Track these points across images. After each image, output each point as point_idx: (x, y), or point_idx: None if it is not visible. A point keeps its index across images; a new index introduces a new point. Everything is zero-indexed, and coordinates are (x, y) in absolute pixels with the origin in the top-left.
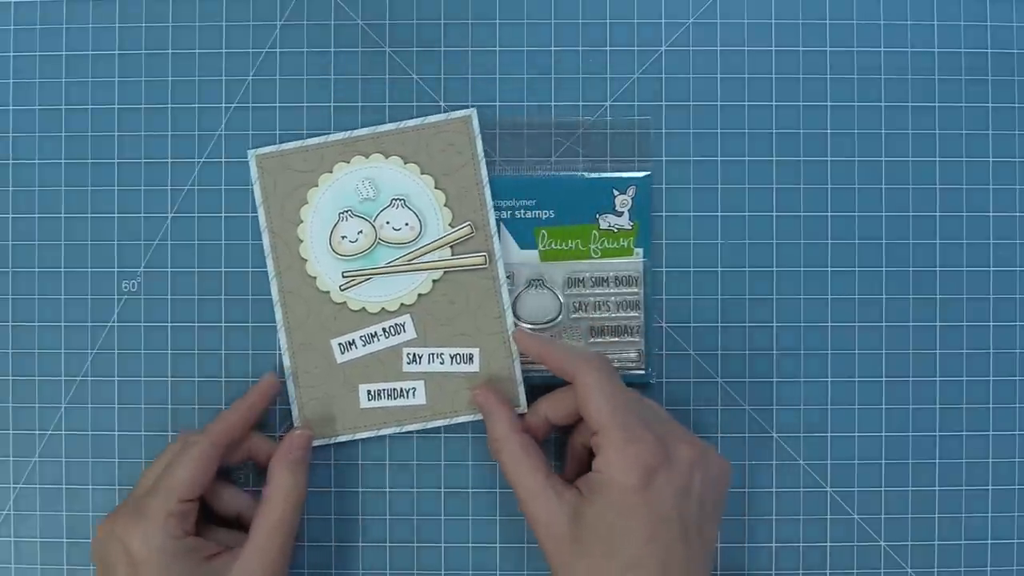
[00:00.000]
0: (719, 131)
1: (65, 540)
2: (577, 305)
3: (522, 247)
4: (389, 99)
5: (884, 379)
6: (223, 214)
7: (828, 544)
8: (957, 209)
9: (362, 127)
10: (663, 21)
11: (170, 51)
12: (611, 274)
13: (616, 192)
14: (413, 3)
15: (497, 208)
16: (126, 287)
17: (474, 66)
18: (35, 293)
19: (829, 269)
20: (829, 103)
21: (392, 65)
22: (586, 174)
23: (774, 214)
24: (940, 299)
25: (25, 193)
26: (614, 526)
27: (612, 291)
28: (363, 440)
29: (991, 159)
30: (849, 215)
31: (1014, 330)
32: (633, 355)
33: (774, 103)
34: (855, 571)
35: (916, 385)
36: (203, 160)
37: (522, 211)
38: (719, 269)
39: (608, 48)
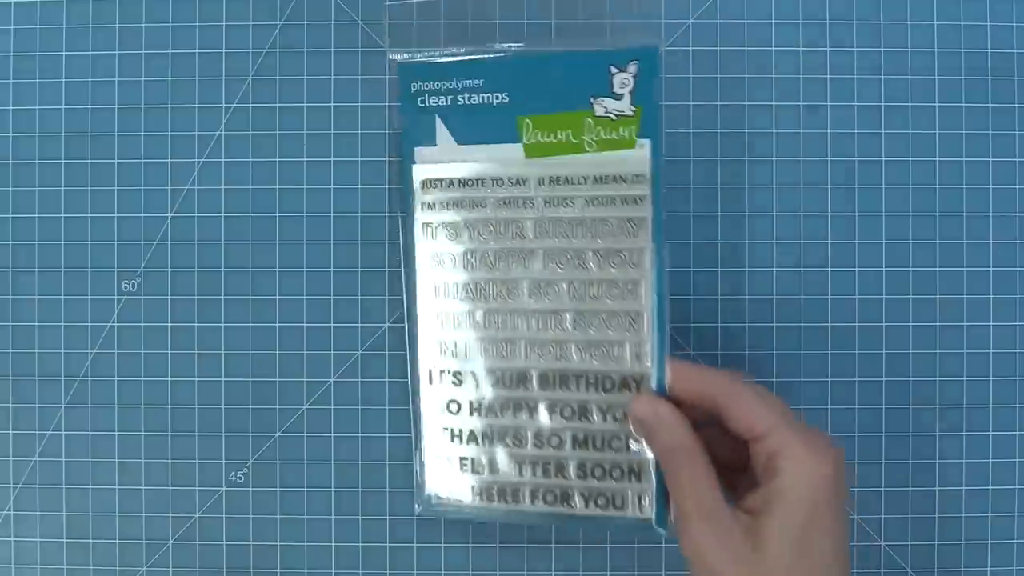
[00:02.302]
0: (719, 131)
1: (65, 540)
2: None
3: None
4: (388, 99)
5: (884, 379)
6: (223, 214)
7: None
8: (957, 209)
9: (362, 127)
10: (663, 21)
11: (170, 51)
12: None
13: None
14: (413, 3)
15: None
16: (126, 287)
17: None
18: (35, 293)
19: (829, 269)
20: (829, 103)
21: (393, 66)
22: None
23: (774, 214)
24: (940, 299)
25: (25, 193)
26: (806, 526)
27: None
28: (362, 439)
29: (991, 159)
30: (849, 215)
31: (1014, 330)
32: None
33: (774, 103)
34: (855, 571)
35: (916, 385)
36: (203, 160)
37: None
38: (719, 269)
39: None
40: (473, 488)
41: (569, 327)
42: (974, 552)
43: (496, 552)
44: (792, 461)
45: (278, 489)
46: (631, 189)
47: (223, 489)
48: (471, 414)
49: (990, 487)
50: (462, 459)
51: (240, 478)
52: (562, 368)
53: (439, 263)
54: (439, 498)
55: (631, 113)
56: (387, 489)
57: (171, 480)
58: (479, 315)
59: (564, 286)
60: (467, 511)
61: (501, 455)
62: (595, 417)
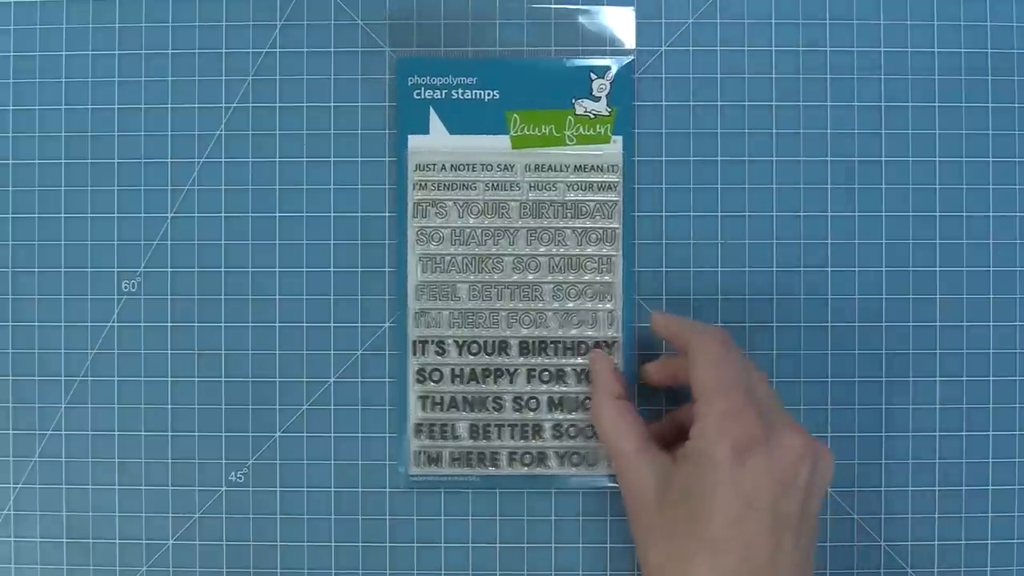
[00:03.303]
0: (719, 131)
1: (65, 540)
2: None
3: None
4: (388, 99)
5: (884, 379)
6: (223, 214)
7: (828, 544)
8: (957, 209)
9: (362, 127)
10: (663, 21)
11: (170, 51)
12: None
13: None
14: (413, 3)
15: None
16: (126, 287)
17: None
18: (35, 293)
19: (829, 269)
20: (829, 103)
21: (392, 65)
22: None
23: (774, 214)
24: (940, 299)
25: (25, 193)
26: (699, 500)
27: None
28: (362, 439)
29: (991, 159)
30: (849, 215)
31: (1014, 330)
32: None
33: (774, 103)
34: (855, 571)
35: (916, 385)
36: (203, 160)
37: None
38: (719, 269)
39: (608, 48)
40: (452, 454)
41: (549, 298)
42: (974, 552)
43: (496, 552)
44: (700, 432)
45: (278, 489)
46: (606, 177)
47: (223, 489)
48: (452, 382)
49: (990, 487)
50: (443, 426)
51: (240, 478)
52: (541, 336)
53: (428, 239)
54: (418, 468)
55: (607, 113)
56: (387, 489)
57: (171, 480)
58: (464, 287)
59: (545, 261)
60: (445, 478)
61: (481, 420)
62: (571, 380)
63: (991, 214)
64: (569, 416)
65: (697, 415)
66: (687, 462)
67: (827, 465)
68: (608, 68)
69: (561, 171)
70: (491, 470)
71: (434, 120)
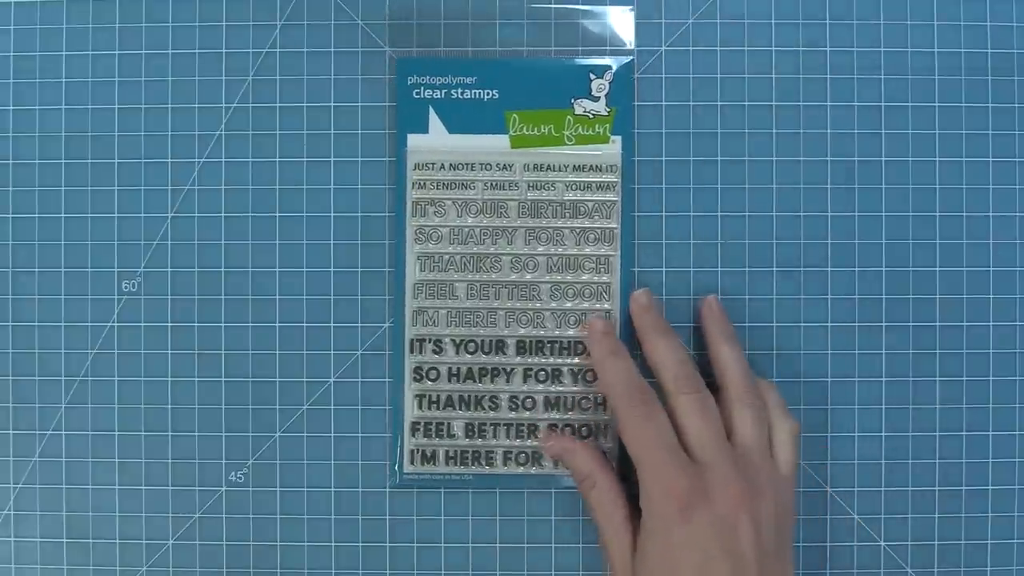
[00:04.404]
0: (719, 131)
1: (65, 540)
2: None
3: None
4: (388, 99)
5: (884, 379)
6: (223, 214)
7: (828, 544)
8: (957, 209)
9: (362, 127)
10: (663, 21)
11: (170, 51)
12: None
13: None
14: (413, 3)
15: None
16: (126, 287)
17: None
18: (35, 293)
19: (829, 269)
20: (829, 103)
21: (392, 65)
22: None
23: (774, 214)
24: (940, 299)
25: (25, 193)
26: (666, 559)
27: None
28: (362, 439)
29: (991, 159)
30: (849, 215)
31: (1014, 330)
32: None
33: (774, 103)
34: (855, 571)
35: (916, 385)
36: (203, 160)
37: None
38: (719, 269)
39: (608, 48)
40: (447, 453)
41: (546, 298)
42: (974, 552)
43: (496, 552)
44: (644, 502)
45: (278, 489)
46: (605, 177)
47: (223, 489)
48: (449, 380)
49: (990, 487)
50: (439, 424)
51: (240, 478)
52: (538, 335)
53: (426, 238)
54: (413, 466)
55: (606, 113)
56: (387, 489)
57: (171, 480)
58: (462, 286)
59: (543, 260)
60: (440, 476)
61: (477, 419)
62: (567, 380)
63: (991, 214)
64: (565, 416)
65: (640, 482)
66: (645, 527)
67: (767, 503)
68: (608, 68)
69: (560, 171)
70: (486, 469)
71: (433, 119)
